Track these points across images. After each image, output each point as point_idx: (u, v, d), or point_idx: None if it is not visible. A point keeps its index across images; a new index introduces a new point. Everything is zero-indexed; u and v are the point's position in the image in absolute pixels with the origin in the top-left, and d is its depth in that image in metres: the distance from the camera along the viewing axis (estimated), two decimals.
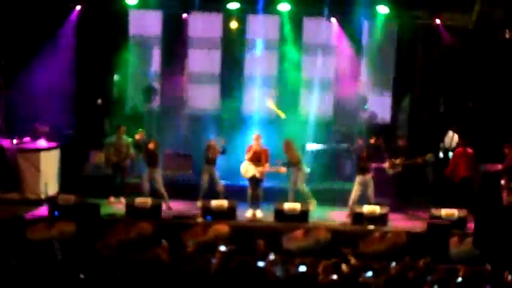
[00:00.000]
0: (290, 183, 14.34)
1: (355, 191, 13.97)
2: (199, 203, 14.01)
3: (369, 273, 9.66)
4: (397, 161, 14.38)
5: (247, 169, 13.75)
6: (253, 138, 13.97)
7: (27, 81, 15.86)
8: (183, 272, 9.00)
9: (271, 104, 13.65)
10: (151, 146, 14.28)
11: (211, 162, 14.44)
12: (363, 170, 13.99)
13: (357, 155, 14.30)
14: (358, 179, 14.00)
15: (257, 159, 13.72)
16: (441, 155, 15.26)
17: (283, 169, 13.96)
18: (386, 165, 14.34)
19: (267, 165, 13.80)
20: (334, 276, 9.13)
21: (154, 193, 14.06)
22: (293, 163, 14.21)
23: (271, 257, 10.32)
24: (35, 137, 14.87)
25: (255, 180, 13.79)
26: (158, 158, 14.48)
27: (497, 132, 14.77)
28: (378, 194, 14.02)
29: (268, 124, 16.24)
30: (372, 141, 14.27)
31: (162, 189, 14.24)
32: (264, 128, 15.51)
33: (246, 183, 14.06)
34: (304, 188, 14.29)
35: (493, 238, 11.68)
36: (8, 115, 15.73)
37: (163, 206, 13.66)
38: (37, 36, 15.83)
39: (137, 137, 14.73)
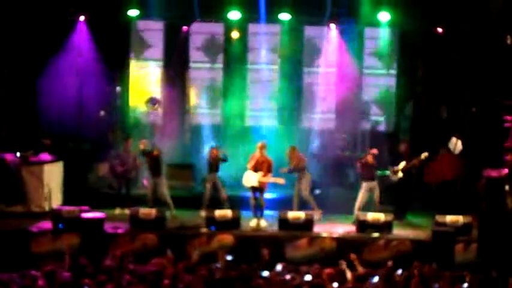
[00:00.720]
0: (295, 191, 14.36)
1: (361, 199, 13.99)
2: (202, 213, 14.02)
3: (375, 279, 9.64)
4: (399, 167, 14.40)
5: (249, 178, 13.71)
6: (257, 146, 13.90)
7: (31, 94, 15.90)
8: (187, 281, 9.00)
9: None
10: (155, 153, 14.28)
11: (214, 170, 14.44)
12: (368, 177, 14.01)
13: (362, 162, 14.28)
14: (365, 186, 14.03)
15: (259, 168, 13.66)
16: None
17: (282, 180, 13.86)
18: (388, 172, 14.39)
19: (269, 175, 13.68)
20: (335, 285, 9.12)
21: (158, 202, 14.06)
22: (298, 169, 14.21)
23: (279, 267, 10.32)
24: (39, 150, 14.86)
25: (256, 190, 13.76)
26: (162, 165, 14.47)
27: (500, 137, 14.74)
28: (382, 201, 14.04)
29: (270, 134, 16.28)
30: (375, 151, 14.26)
31: (168, 198, 14.23)
32: (266, 138, 15.52)
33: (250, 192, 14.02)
34: (310, 196, 14.30)
35: (497, 245, 11.64)
36: (11, 127, 15.75)
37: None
38: (40, 48, 15.87)
39: (141, 146, 14.74)
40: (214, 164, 14.41)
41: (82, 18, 16.46)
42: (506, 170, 12.98)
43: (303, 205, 14.22)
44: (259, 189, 13.73)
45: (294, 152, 14.34)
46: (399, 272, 10.17)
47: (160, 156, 14.33)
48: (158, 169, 14.31)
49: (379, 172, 14.33)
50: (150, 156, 14.27)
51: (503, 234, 11.77)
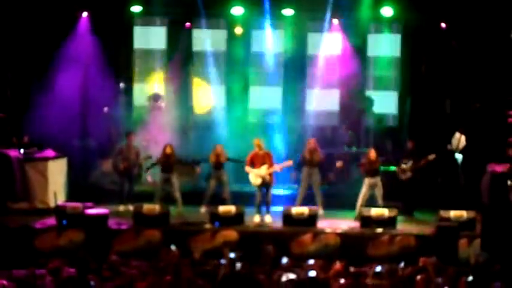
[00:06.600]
0: (302, 186, 14.36)
1: (363, 195, 13.98)
2: (202, 209, 14.08)
3: (378, 268, 9.63)
4: (407, 166, 14.39)
5: (256, 176, 13.70)
6: (254, 144, 13.88)
7: (35, 93, 15.91)
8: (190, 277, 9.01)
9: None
10: (168, 150, 14.26)
11: (218, 167, 14.44)
12: (371, 173, 14.01)
13: (365, 157, 14.28)
14: (367, 181, 14.02)
15: (262, 162, 13.65)
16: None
17: (290, 162, 13.88)
18: (397, 170, 14.39)
19: (274, 165, 13.69)
20: (342, 280, 9.13)
21: (166, 198, 14.06)
22: (315, 163, 14.23)
23: (284, 260, 10.32)
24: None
25: (265, 185, 13.73)
26: (174, 162, 14.45)
27: (504, 132, 14.74)
28: (386, 197, 14.04)
29: (273, 129, 16.29)
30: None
31: (178, 194, 14.22)
32: (270, 134, 15.54)
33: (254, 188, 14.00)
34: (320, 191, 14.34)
35: (501, 239, 11.64)
36: (16, 127, 15.76)
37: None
38: (44, 47, 15.88)
39: (144, 143, 14.69)
40: (217, 162, 14.40)
41: (85, 14, 16.48)
42: (509, 165, 12.98)
43: (306, 201, 14.24)
44: (266, 185, 13.72)
45: (315, 145, 14.34)
46: (401, 265, 10.18)
47: (172, 153, 14.32)
48: (170, 166, 14.29)
49: (382, 168, 14.36)
50: (162, 154, 14.24)
51: (507, 229, 11.77)
